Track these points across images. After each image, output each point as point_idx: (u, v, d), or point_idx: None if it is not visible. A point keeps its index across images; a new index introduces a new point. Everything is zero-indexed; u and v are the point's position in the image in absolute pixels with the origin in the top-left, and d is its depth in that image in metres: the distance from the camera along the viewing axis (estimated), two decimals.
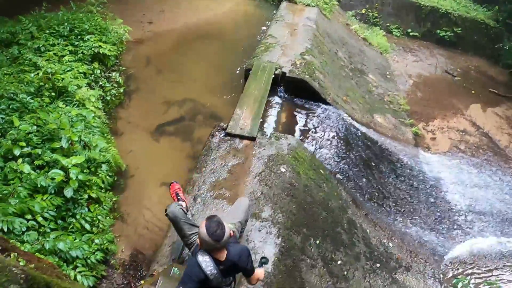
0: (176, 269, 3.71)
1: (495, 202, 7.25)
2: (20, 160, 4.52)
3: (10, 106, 5.25)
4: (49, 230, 4.20)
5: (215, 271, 2.94)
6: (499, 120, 9.58)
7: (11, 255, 2.40)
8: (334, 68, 8.13)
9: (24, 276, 2.21)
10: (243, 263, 3.12)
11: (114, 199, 5.20)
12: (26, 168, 4.41)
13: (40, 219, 4.17)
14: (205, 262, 2.94)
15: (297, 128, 6.43)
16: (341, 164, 6.29)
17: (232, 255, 3.05)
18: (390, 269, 5.57)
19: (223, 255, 3.00)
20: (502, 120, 9.62)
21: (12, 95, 5.36)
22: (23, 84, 5.66)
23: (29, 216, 4.11)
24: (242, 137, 5.52)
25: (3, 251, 2.43)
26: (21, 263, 2.45)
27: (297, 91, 6.91)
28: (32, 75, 5.85)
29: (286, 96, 6.92)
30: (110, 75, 7.26)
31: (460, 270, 6.10)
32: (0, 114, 5.08)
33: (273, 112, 6.48)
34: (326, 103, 6.89)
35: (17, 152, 4.54)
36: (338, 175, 6.10)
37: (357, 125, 7.07)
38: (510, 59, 11.58)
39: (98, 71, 6.98)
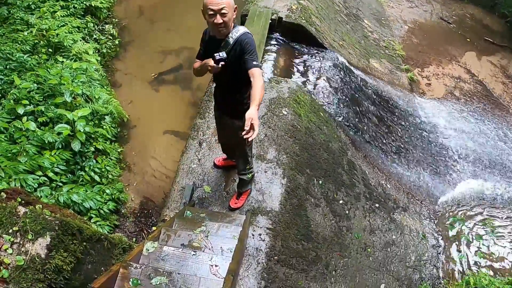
0: (188, 212, 3.82)
1: (488, 148, 7.36)
2: (24, 118, 4.54)
3: (8, 66, 5.21)
4: (61, 184, 4.30)
5: None
6: (494, 69, 9.57)
7: (36, 207, 2.46)
8: (329, 13, 8.02)
9: (58, 222, 2.33)
10: None
11: (119, 150, 5.25)
12: (32, 126, 4.45)
13: (51, 174, 4.25)
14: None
15: (295, 72, 6.41)
16: (338, 107, 6.32)
17: None
18: (389, 209, 5.73)
19: None
20: (496, 69, 9.61)
21: (8, 55, 5.31)
22: (17, 43, 5.59)
23: (39, 173, 4.18)
24: None
25: (27, 204, 2.50)
26: (46, 214, 2.53)
27: (294, 36, 6.83)
28: (26, 33, 5.78)
29: (283, 41, 6.83)
30: (104, 27, 7.16)
31: (453, 211, 6.28)
32: None
33: (271, 57, 6.42)
34: (323, 48, 6.84)
35: (20, 110, 4.56)
36: (336, 118, 6.15)
37: (353, 69, 7.06)
38: (506, 8, 11.42)
39: (92, 25, 6.91)
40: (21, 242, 2.20)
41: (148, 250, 2.65)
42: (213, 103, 3.68)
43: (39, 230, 2.22)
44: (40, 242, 2.21)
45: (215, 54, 2.90)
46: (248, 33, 2.97)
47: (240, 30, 2.95)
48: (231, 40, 2.92)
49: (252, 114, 2.59)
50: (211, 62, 2.90)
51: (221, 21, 2.77)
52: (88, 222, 2.98)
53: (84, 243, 2.41)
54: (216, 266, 2.65)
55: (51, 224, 2.25)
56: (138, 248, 2.60)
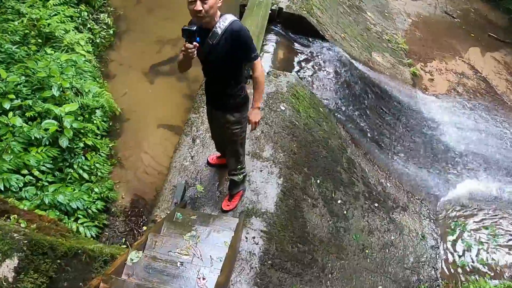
0: (179, 214, 3.63)
1: (491, 147, 7.19)
2: (10, 113, 4.35)
3: None
4: (47, 184, 4.12)
5: None
6: (497, 66, 9.36)
7: (11, 217, 2.29)
8: (331, 3, 7.80)
9: (26, 241, 2.15)
10: None
11: (111, 145, 5.09)
12: (18, 121, 4.26)
13: (36, 173, 4.08)
14: None
15: (295, 65, 6.20)
16: (339, 102, 6.14)
17: None
18: (388, 209, 5.59)
19: None
20: (500, 65, 9.39)
21: None
22: (7, 34, 5.37)
23: (25, 171, 4.01)
24: None
25: (3, 213, 2.34)
26: (22, 225, 2.37)
27: (294, 27, 6.62)
28: (17, 23, 5.54)
29: (283, 32, 6.61)
30: (98, 16, 6.95)
31: (454, 212, 6.13)
32: None
33: (270, 49, 6.20)
34: (324, 40, 6.63)
35: (7, 105, 4.36)
36: (337, 114, 5.97)
37: (355, 63, 6.87)
38: (510, 4, 11.19)
39: (86, 14, 6.68)
40: None
41: (132, 260, 2.48)
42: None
43: (6, 251, 2.04)
44: (7, 264, 2.03)
45: (183, 27, 2.58)
46: (237, 21, 2.80)
47: (228, 18, 2.77)
48: (219, 30, 2.74)
49: (256, 117, 3.13)
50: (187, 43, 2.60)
51: (200, 8, 2.57)
52: (66, 234, 2.79)
53: (58, 261, 2.22)
54: (203, 279, 2.48)
55: (19, 244, 2.06)
56: (122, 258, 2.43)
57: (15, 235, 2.08)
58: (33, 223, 2.33)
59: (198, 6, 2.56)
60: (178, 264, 2.54)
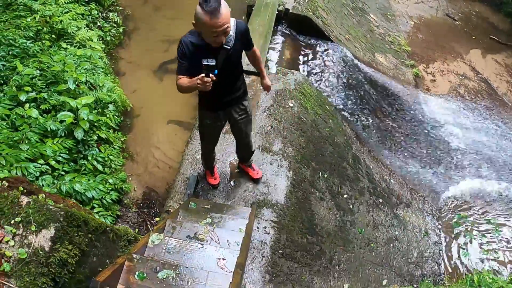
0: (193, 203, 3.76)
1: (491, 146, 7.29)
2: (26, 105, 4.43)
3: (10, 53, 5.09)
4: (63, 173, 4.20)
5: None
6: (498, 67, 9.47)
7: (39, 196, 2.37)
8: (336, 5, 7.92)
9: (63, 213, 2.22)
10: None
11: (123, 139, 5.17)
12: (34, 113, 4.34)
13: (53, 162, 4.15)
14: None
15: (301, 64, 6.34)
16: (344, 101, 6.27)
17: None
18: (392, 205, 5.69)
19: None
20: (501, 67, 9.50)
21: (11, 41, 5.18)
22: (20, 29, 5.46)
23: (41, 161, 4.08)
24: (248, 73, 5.27)
25: (29, 193, 2.39)
26: (50, 203, 2.44)
27: (300, 28, 6.75)
28: (29, 19, 5.64)
29: (289, 33, 6.75)
30: (108, 15, 7.06)
31: (457, 209, 6.23)
32: (1, 61, 4.93)
33: (277, 49, 6.35)
34: (329, 41, 6.76)
35: (23, 97, 4.45)
36: (342, 112, 6.08)
37: (359, 63, 6.99)
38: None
39: (96, 12, 6.81)
40: (24, 234, 2.10)
41: (154, 242, 2.59)
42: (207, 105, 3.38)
43: (43, 221, 2.12)
44: (44, 234, 2.11)
45: (203, 60, 2.46)
46: (237, 19, 2.86)
47: (231, 20, 2.75)
48: (231, 33, 2.74)
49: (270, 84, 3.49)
50: (204, 76, 2.51)
51: (224, 40, 2.61)
52: (92, 212, 2.88)
53: (90, 235, 2.31)
54: (223, 259, 2.59)
55: (56, 215, 2.14)
56: (143, 240, 2.54)
57: (51, 207, 2.18)
58: (59, 204, 2.43)
59: (223, 39, 2.59)
60: (199, 245, 2.64)
